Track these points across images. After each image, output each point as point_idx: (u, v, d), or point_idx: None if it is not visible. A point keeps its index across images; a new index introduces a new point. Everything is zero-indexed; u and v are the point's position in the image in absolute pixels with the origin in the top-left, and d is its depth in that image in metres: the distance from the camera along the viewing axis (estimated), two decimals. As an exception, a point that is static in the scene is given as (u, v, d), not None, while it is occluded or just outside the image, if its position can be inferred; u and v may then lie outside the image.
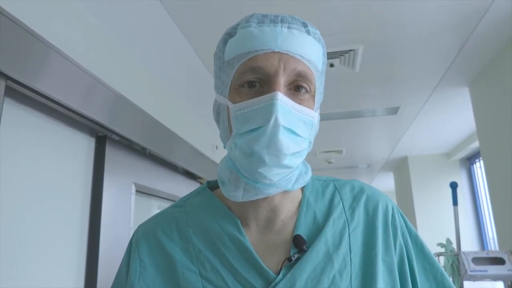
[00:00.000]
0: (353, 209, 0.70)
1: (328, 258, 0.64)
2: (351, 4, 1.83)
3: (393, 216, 0.71)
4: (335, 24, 1.99)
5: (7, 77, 1.17)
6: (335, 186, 0.74)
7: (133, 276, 0.67)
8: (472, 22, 2.02)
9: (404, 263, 0.67)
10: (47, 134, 1.46)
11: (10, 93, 1.24)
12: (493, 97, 2.56)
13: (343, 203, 0.71)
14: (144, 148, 2.08)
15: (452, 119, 3.70)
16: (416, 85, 2.86)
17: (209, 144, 3.39)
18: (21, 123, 1.33)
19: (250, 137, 0.59)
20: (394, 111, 3.41)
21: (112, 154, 1.82)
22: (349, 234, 0.67)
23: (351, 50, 2.27)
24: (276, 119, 0.57)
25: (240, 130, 0.61)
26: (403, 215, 0.73)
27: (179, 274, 0.65)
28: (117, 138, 1.84)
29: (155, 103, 2.32)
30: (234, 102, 0.62)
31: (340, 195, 0.72)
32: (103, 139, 1.78)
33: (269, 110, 0.58)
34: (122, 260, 0.73)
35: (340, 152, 4.92)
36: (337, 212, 0.69)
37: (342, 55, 2.32)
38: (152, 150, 2.12)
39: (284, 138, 0.58)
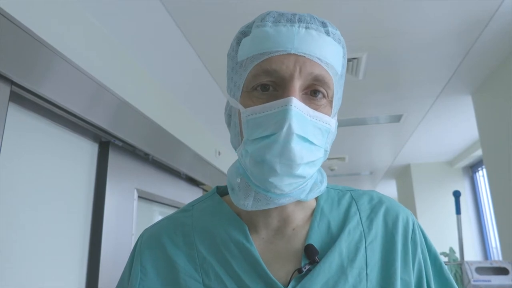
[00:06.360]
0: (370, 220, 0.65)
1: (342, 272, 0.59)
2: (354, 13, 1.83)
3: (413, 231, 0.66)
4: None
5: (12, 83, 1.17)
6: (352, 196, 0.69)
7: (134, 281, 0.64)
8: (476, 31, 2.03)
9: (422, 282, 0.63)
10: (51, 139, 1.47)
11: (15, 98, 1.25)
12: (496, 105, 2.55)
13: (360, 214, 0.66)
14: (147, 154, 2.08)
15: (455, 127, 3.69)
16: (419, 93, 2.86)
17: (211, 150, 3.39)
18: (25, 128, 1.34)
19: (261, 144, 0.55)
20: (397, 118, 3.41)
21: (115, 160, 1.82)
22: (365, 247, 0.62)
23: (354, 58, 2.27)
24: (290, 127, 0.53)
25: (251, 136, 0.57)
26: (423, 230, 0.69)
27: (181, 282, 0.61)
28: (120, 143, 1.84)
29: (158, 109, 2.33)
30: (246, 106, 0.58)
31: (357, 205, 0.67)
32: (106, 144, 1.79)
33: (282, 116, 0.54)
34: (126, 264, 0.71)
35: (343, 159, 4.91)
36: (354, 222, 0.64)
37: (345, 63, 2.33)
38: (154, 156, 2.12)
39: (297, 147, 0.54)
